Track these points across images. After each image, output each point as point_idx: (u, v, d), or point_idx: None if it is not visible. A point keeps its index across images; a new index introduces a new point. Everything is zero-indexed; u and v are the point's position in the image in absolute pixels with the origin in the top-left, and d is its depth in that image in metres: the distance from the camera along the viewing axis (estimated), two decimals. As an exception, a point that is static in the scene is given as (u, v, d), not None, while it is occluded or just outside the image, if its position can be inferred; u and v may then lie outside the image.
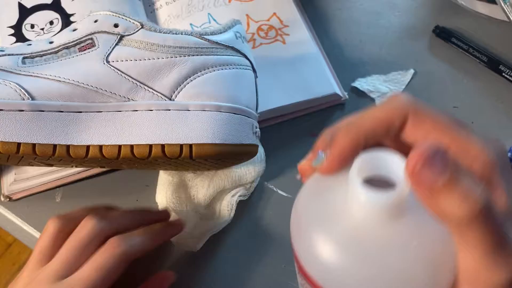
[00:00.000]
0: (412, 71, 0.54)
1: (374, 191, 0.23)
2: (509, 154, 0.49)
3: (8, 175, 0.49)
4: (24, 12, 0.54)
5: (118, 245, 0.38)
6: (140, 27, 0.39)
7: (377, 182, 0.25)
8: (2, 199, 0.48)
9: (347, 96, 0.52)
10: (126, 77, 0.38)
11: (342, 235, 0.25)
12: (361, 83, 0.53)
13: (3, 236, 1.33)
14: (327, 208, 0.26)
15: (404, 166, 0.23)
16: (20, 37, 0.53)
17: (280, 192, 0.48)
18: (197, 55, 0.39)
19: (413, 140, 0.27)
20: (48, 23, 0.53)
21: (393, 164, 0.24)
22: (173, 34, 0.40)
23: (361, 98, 0.53)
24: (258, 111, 0.44)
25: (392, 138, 0.27)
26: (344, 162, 0.26)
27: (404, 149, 0.27)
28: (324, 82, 0.51)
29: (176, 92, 0.39)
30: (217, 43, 0.40)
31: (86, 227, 0.39)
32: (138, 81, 0.38)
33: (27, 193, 0.48)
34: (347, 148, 0.26)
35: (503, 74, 0.53)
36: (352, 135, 0.26)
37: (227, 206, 0.45)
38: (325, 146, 0.27)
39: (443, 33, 0.56)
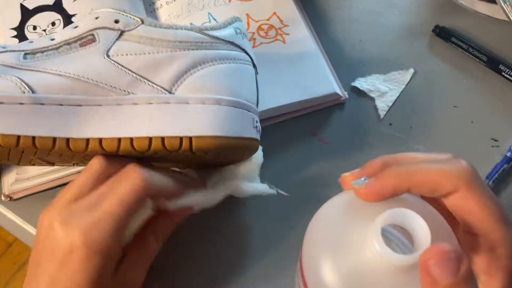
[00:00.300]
0: (412, 70, 0.54)
1: (390, 249, 0.25)
2: (509, 153, 0.49)
3: (9, 174, 0.49)
4: (26, 13, 0.54)
5: (137, 177, 0.37)
6: (141, 22, 0.40)
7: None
8: (3, 198, 0.48)
9: (347, 96, 0.52)
10: (127, 71, 0.38)
11: (351, 271, 0.26)
12: (361, 83, 0.53)
13: (3, 235, 1.33)
14: (345, 238, 0.27)
15: (426, 234, 0.25)
16: (22, 38, 0.53)
17: (280, 191, 0.48)
18: (197, 49, 0.40)
19: (452, 208, 0.28)
20: (50, 24, 0.54)
21: (418, 227, 0.26)
22: (173, 29, 0.40)
23: (361, 98, 0.53)
24: (258, 110, 0.44)
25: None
26: (381, 198, 0.27)
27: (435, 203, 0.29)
28: (324, 82, 0.51)
29: (176, 86, 0.39)
30: (217, 38, 0.41)
31: (130, 177, 0.37)
32: (138, 74, 0.38)
33: (27, 193, 0.48)
34: (388, 189, 0.28)
35: (503, 73, 0.53)
36: (399, 180, 0.28)
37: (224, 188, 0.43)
38: (372, 174, 0.28)
39: (443, 33, 0.56)
